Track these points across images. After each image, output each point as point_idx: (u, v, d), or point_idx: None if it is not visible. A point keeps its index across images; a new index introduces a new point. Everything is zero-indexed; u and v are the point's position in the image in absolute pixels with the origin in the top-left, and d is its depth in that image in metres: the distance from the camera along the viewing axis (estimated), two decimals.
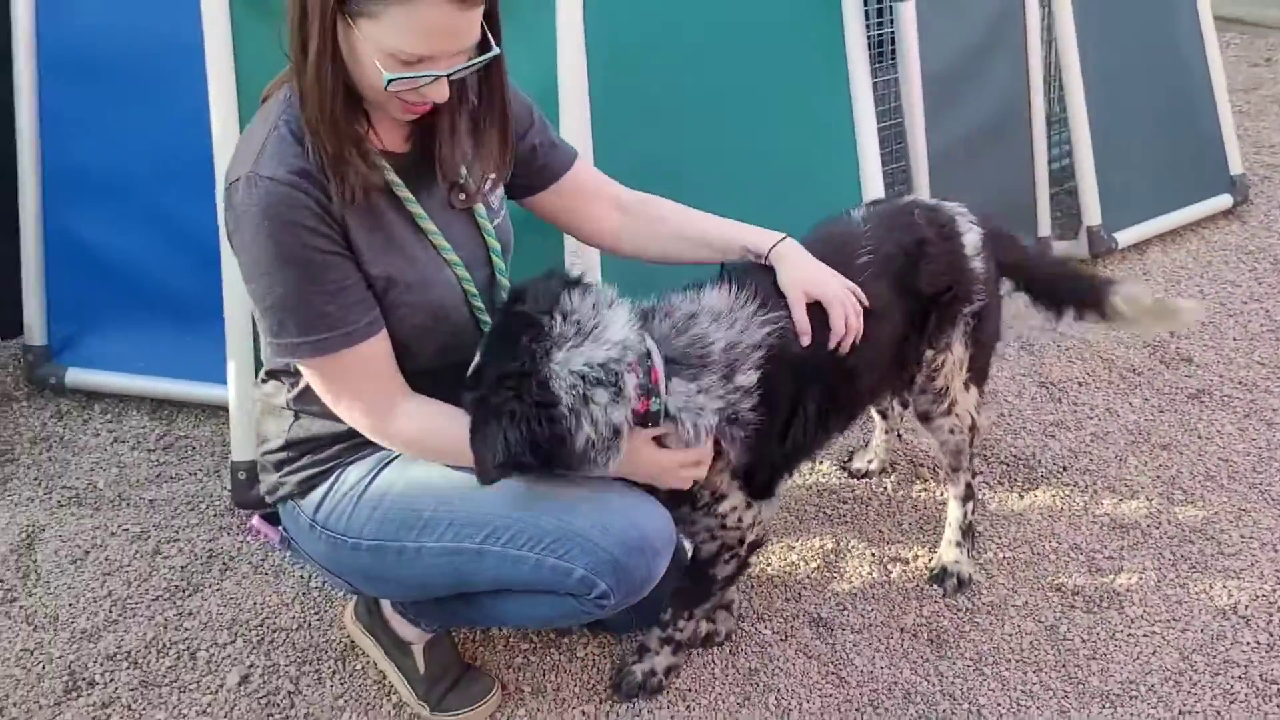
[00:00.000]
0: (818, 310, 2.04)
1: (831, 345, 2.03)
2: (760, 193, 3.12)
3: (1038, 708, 2.23)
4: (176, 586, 2.56)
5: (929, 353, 2.33)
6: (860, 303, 2.07)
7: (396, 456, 2.00)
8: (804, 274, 2.05)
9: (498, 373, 1.80)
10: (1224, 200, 4.40)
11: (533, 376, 1.77)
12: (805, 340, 2.01)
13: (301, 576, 2.58)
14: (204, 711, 2.24)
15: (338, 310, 1.79)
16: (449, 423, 1.86)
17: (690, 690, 2.28)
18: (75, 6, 3.02)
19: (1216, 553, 2.64)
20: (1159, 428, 3.13)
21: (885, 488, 2.88)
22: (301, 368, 1.88)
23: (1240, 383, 3.35)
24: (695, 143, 3.18)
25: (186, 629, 2.44)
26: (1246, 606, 2.48)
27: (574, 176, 2.18)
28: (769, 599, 2.51)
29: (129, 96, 2.97)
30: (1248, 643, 2.38)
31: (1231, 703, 2.24)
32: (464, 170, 1.94)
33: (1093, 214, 3.99)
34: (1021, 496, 2.84)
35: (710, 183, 3.18)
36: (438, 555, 1.93)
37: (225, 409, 3.06)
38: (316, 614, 2.48)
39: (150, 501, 2.83)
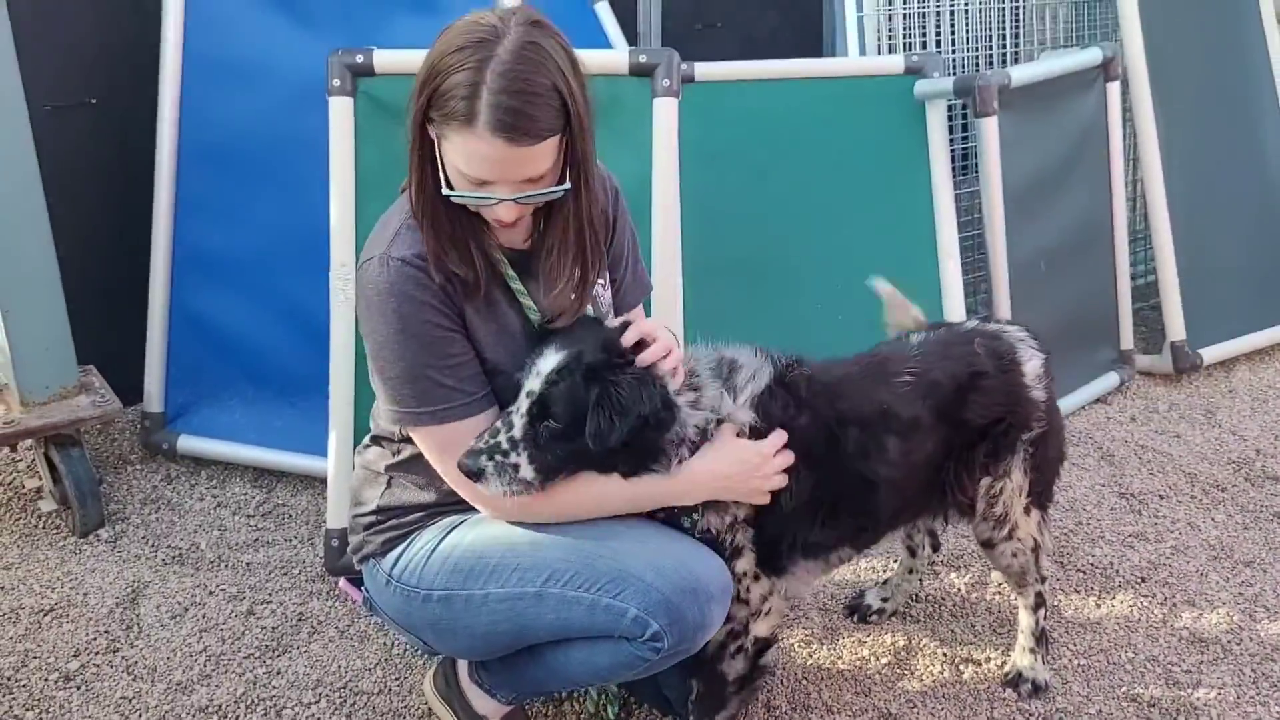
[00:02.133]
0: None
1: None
2: (842, 300, 3.22)
3: None
4: (267, 646, 2.67)
5: (986, 480, 2.33)
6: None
7: (467, 519, 2.10)
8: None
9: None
10: None
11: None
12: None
13: (384, 643, 2.68)
14: None
15: (455, 383, 1.94)
16: (555, 496, 1.97)
17: None
18: (214, 100, 3.31)
19: None
20: (1242, 544, 3.09)
21: (959, 588, 2.89)
22: (415, 435, 2.02)
23: None
24: (779, 248, 3.32)
25: (274, 687, 2.54)
26: None
27: (633, 314, 2.30)
28: (838, 692, 2.53)
29: (256, 186, 3.23)
30: None
31: None
32: (525, 300, 2.07)
33: (1176, 329, 4.00)
34: (1098, 605, 2.83)
35: (792, 287, 3.31)
36: (501, 601, 2.01)
37: (322, 479, 3.23)
38: (397, 679, 2.57)
39: (247, 564, 2.97)
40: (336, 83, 2.83)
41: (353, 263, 2.84)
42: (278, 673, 2.59)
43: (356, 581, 2.75)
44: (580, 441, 1.90)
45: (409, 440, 2.10)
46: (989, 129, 3.41)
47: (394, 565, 2.14)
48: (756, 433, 2.05)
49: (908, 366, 2.24)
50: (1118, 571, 2.96)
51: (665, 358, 1.99)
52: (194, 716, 2.45)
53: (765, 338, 2.23)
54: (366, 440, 2.24)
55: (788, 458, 2.05)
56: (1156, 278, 4.07)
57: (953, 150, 3.46)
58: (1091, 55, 3.85)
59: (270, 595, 2.85)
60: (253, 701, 2.50)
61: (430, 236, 1.90)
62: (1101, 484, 3.38)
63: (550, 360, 1.93)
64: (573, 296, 2.01)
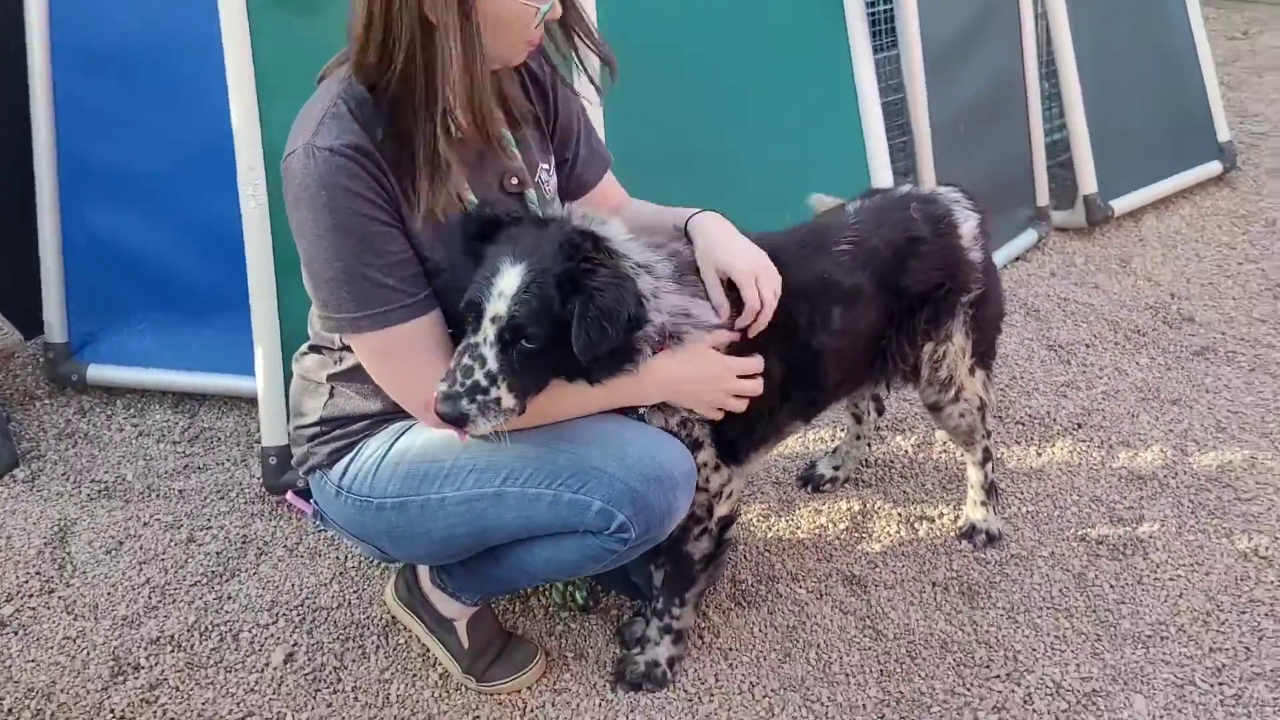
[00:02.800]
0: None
1: (743, 323, 2.00)
2: (769, 174, 3.17)
3: (1071, 651, 2.28)
4: (214, 572, 2.58)
5: (929, 345, 2.33)
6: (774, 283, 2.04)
7: (413, 424, 2.02)
8: (715, 247, 2.02)
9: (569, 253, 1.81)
10: (1214, 167, 4.49)
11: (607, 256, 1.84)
12: (723, 315, 1.99)
13: (337, 557, 2.61)
14: (252, 689, 2.27)
15: (396, 283, 1.82)
16: None
17: (730, 649, 2.32)
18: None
19: (1233, 499, 2.70)
20: (1167, 384, 3.20)
21: (906, 450, 2.93)
22: (353, 342, 1.91)
23: (1243, 339, 3.42)
24: (703, 130, 3.22)
25: (227, 612, 2.46)
26: (1267, 548, 2.54)
27: (601, 190, 2.22)
28: (801, 560, 2.55)
29: (146, 90, 2.99)
30: (1271, 582, 2.44)
31: (1260, 639, 2.30)
32: (518, 155, 1.98)
33: (1088, 183, 4.07)
34: (1039, 454, 2.90)
35: (720, 168, 3.23)
36: (459, 504, 1.94)
37: (249, 399, 3.10)
38: (355, 593, 2.51)
39: (180, 492, 2.85)
40: None
41: (261, 167, 2.68)
42: (229, 597, 2.50)
43: (304, 494, 2.66)
44: (558, 356, 1.80)
45: (350, 348, 1.99)
46: None
47: (343, 475, 2.05)
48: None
49: (845, 235, 2.21)
50: (1055, 420, 3.03)
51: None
52: (146, 649, 2.36)
53: None
54: (304, 348, 2.13)
55: (756, 385, 2.01)
56: (1067, 134, 4.11)
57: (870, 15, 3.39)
58: None
59: (210, 521, 2.74)
60: (206, 628, 2.41)
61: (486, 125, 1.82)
62: (1030, 338, 3.45)
63: (512, 277, 1.77)
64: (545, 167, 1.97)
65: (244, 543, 2.67)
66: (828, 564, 2.54)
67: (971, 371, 2.41)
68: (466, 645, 2.23)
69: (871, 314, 2.19)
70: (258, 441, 2.99)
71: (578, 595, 2.40)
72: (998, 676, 2.23)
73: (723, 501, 2.13)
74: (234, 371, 3.09)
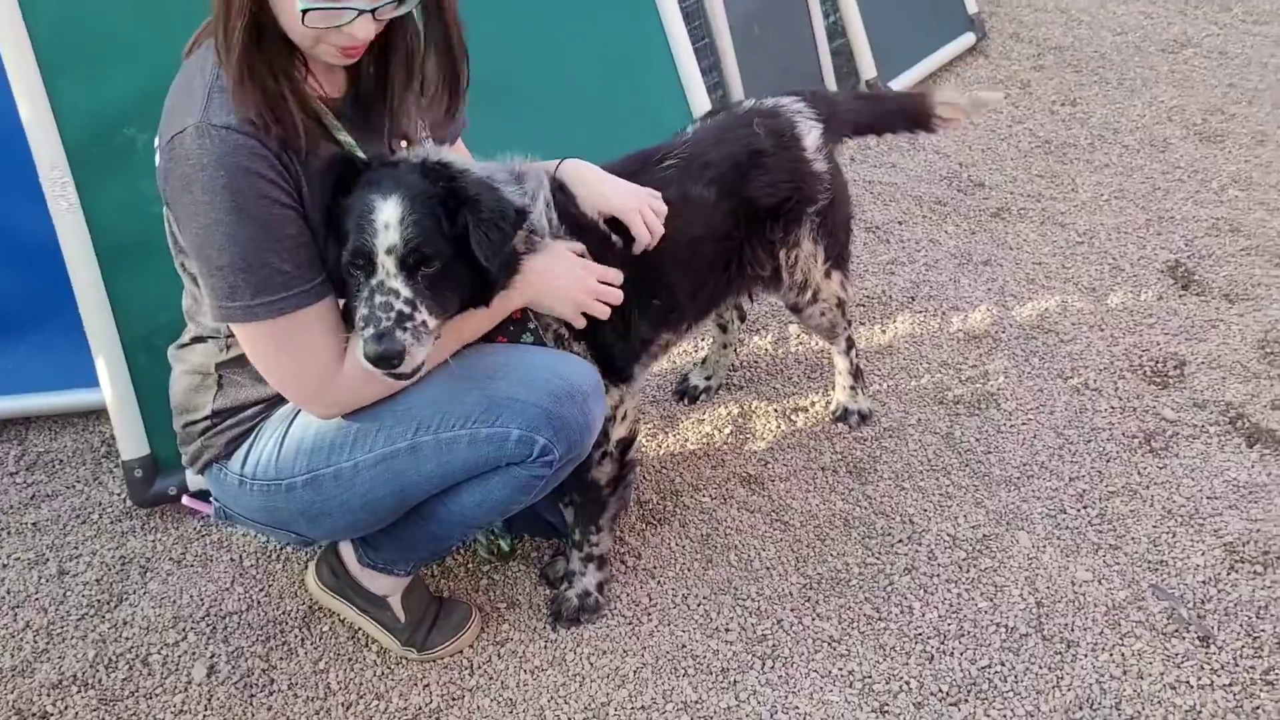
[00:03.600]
0: None
1: (637, 250, 2.09)
2: (582, 106, 3.14)
3: (957, 505, 2.50)
4: (99, 601, 2.42)
5: (782, 252, 2.43)
6: (659, 208, 2.12)
7: None
8: (595, 192, 2.09)
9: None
10: (968, 39, 4.81)
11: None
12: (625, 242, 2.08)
13: (231, 560, 2.50)
14: (180, 711, 2.17)
15: (294, 269, 1.73)
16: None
17: (655, 567, 2.40)
18: None
19: (1057, 342, 2.99)
20: (975, 248, 3.47)
21: (766, 349, 3.07)
22: (243, 331, 1.80)
23: (1028, 195, 3.74)
24: (515, 70, 3.16)
25: (128, 639, 2.32)
26: (1095, 380, 2.84)
27: (455, 148, 2.18)
28: (697, 470, 2.66)
29: None
30: (1104, 409, 2.74)
31: (1108, 461, 2.59)
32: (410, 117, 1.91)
33: (868, 68, 4.27)
34: (883, 331, 3.10)
35: (536, 107, 3.19)
36: (373, 465, 1.90)
37: (83, 414, 2.90)
38: (261, 591, 2.42)
39: (33, 525, 2.63)
40: None
41: (65, 164, 2.46)
42: (125, 623, 2.36)
43: (199, 495, 2.52)
44: (459, 276, 1.79)
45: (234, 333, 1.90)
46: None
47: (244, 464, 1.97)
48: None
49: (671, 153, 2.27)
50: (890, 297, 3.24)
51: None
52: (50, 695, 2.21)
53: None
54: (185, 340, 2.01)
55: (615, 295, 2.02)
56: (842, 24, 4.29)
57: None
58: None
59: (77, 549, 2.56)
60: (111, 660, 2.28)
61: (249, 90, 1.65)
62: None
63: (392, 208, 1.73)
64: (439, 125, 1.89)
65: (123, 564, 2.51)
66: (722, 469, 2.65)
67: (827, 274, 2.53)
68: (403, 619, 2.21)
69: (713, 222, 2.26)
70: (105, 457, 2.81)
71: (502, 543, 2.42)
72: (900, 541, 2.42)
73: (618, 423, 2.19)
74: (59, 387, 2.86)
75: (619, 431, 2.20)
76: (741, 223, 2.33)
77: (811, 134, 2.40)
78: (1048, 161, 3.95)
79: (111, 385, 2.52)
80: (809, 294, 2.54)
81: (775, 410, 2.84)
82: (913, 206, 3.71)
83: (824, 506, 2.53)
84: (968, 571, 2.33)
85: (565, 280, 1.96)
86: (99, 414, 2.89)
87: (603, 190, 2.08)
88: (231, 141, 1.65)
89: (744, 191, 2.30)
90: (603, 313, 2.01)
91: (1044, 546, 2.38)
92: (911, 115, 2.69)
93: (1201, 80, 4.45)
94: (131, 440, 2.55)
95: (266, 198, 1.69)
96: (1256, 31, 4.86)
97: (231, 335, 1.90)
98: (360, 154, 1.83)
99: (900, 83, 4.42)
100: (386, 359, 1.70)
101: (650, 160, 2.26)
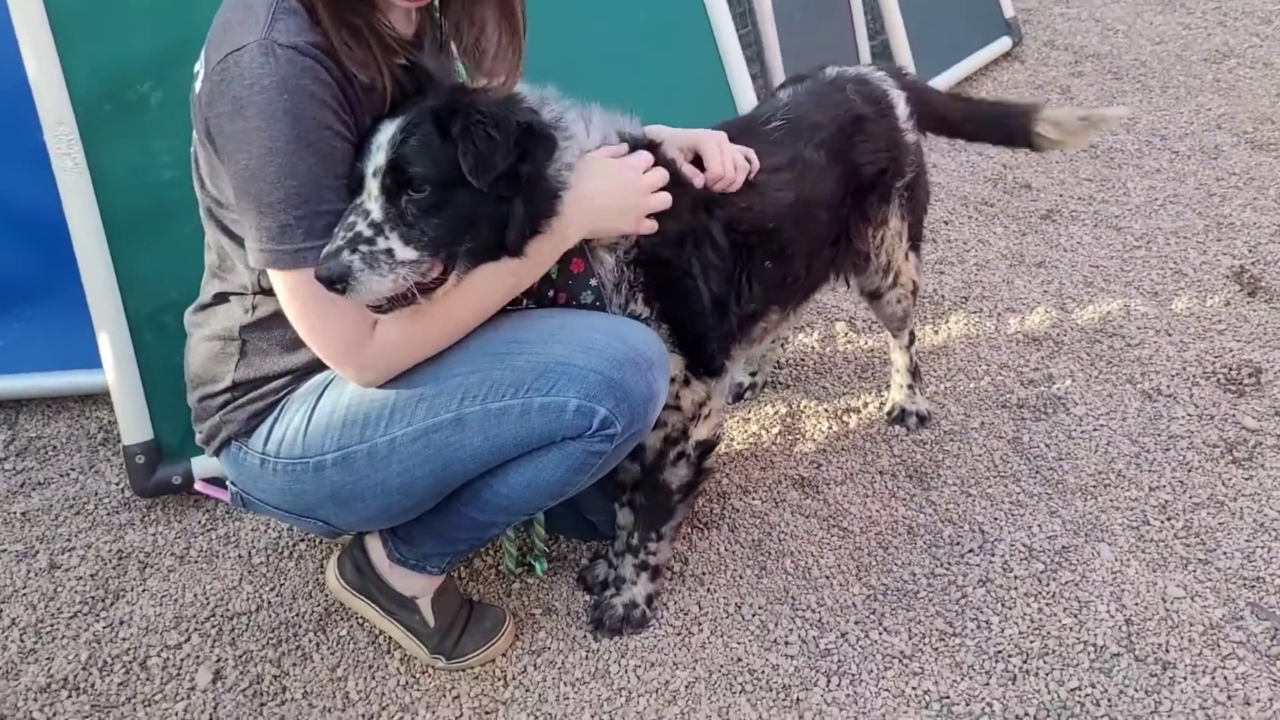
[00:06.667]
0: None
1: (714, 185, 1.86)
2: (627, 91, 2.95)
3: (1030, 514, 2.31)
4: (93, 598, 2.21)
5: (869, 230, 2.24)
6: (747, 159, 1.93)
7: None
8: (677, 135, 1.91)
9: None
10: (1004, 43, 4.66)
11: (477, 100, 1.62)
12: (697, 181, 1.85)
13: (239, 556, 2.29)
14: (182, 719, 1.96)
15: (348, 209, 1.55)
16: (435, 307, 1.63)
17: (705, 573, 2.20)
18: None
19: (1124, 346, 2.81)
20: (1028, 248, 3.29)
21: (813, 346, 2.88)
22: (286, 278, 1.59)
23: (1078, 198, 3.58)
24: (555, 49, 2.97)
25: (125, 640, 2.11)
26: (1168, 386, 2.66)
27: None
28: (746, 471, 2.46)
29: None
30: (1180, 416, 2.56)
31: (1189, 471, 2.40)
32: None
33: (907, 65, 4.11)
34: (937, 331, 2.92)
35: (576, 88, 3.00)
36: (413, 440, 1.69)
37: (78, 397, 2.71)
38: (272, 590, 2.21)
39: (23, 514, 2.42)
40: None
41: (72, 120, 2.27)
42: (121, 622, 2.15)
43: (213, 480, 2.30)
44: (458, 202, 1.57)
45: (265, 291, 1.70)
46: None
47: (266, 441, 1.77)
48: None
49: (777, 114, 2.09)
50: (942, 297, 3.06)
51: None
52: (37, 700, 2.00)
53: None
54: (205, 300, 1.80)
55: (661, 174, 1.78)
56: (883, 18, 4.14)
57: None
58: None
59: (70, 541, 2.35)
60: (105, 662, 2.07)
61: (328, 14, 1.47)
62: None
63: (388, 129, 1.56)
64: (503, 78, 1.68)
65: (120, 559, 2.30)
66: (773, 471, 2.46)
67: (906, 256, 2.36)
68: (433, 623, 2.00)
69: (826, 187, 2.07)
70: (103, 444, 2.60)
71: (538, 565, 2.19)
72: (971, 551, 2.23)
73: (701, 422, 1.97)
74: (54, 368, 2.67)
75: (700, 432, 1.98)
76: (848, 192, 2.14)
77: (901, 103, 2.24)
78: (1095, 165, 3.78)
79: (115, 363, 2.31)
80: (890, 277, 2.37)
81: (826, 410, 2.64)
82: (958, 206, 3.53)
83: (885, 512, 2.33)
84: (1048, 585, 2.14)
85: (611, 193, 1.72)
86: (96, 398, 2.69)
87: (688, 134, 1.90)
88: (299, 63, 1.46)
89: (851, 157, 2.12)
90: (664, 202, 1.76)
91: (1128, 560, 2.19)
92: (1010, 128, 2.46)
93: (1248, 89, 4.30)
94: (134, 423, 2.34)
95: (329, 128, 1.50)
96: None
97: (259, 294, 1.71)
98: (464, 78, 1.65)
99: (938, 84, 4.26)
100: (327, 280, 1.50)
101: (756, 121, 2.08)
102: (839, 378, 2.76)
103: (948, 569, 2.19)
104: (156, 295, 2.33)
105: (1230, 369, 2.70)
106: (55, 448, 2.61)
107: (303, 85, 1.47)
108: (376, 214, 1.54)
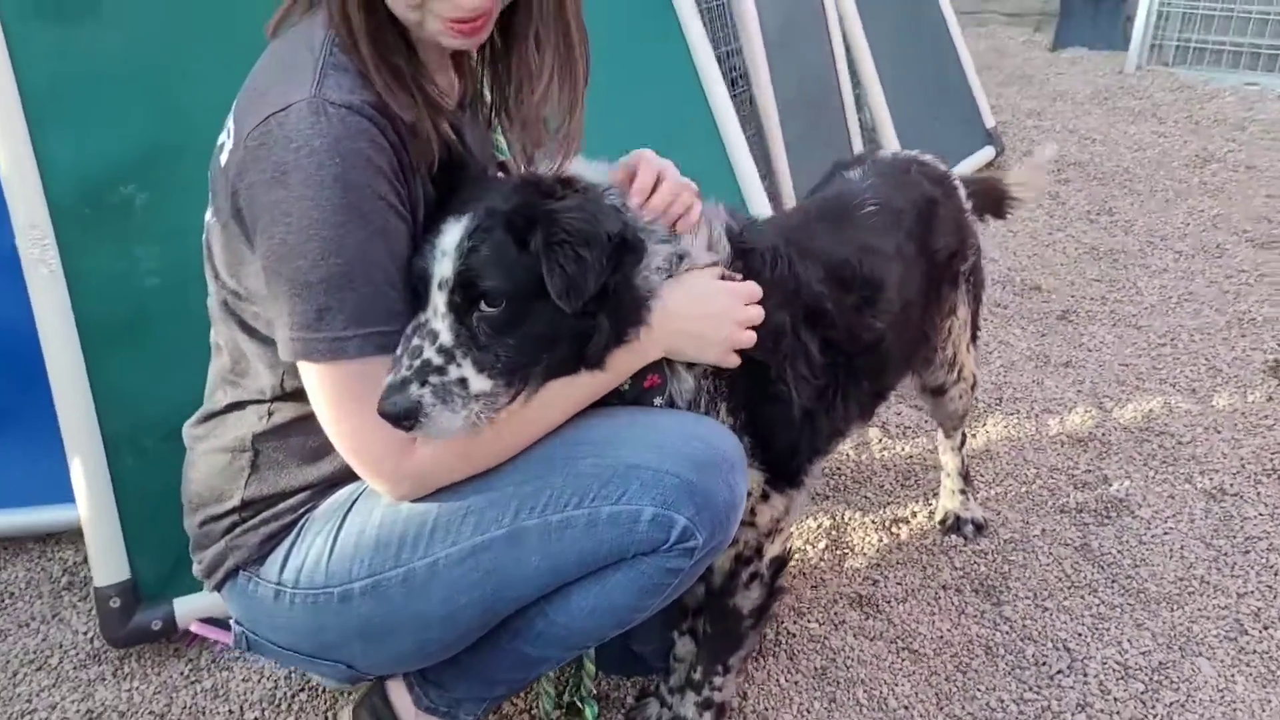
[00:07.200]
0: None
1: (634, 203, 1.53)
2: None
3: (1116, 627, 2.09)
4: None
5: (937, 320, 2.08)
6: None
7: (365, 486, 1.50)
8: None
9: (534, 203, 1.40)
10: (988, 153, 4.65)
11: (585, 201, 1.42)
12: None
13: (230, 712, 1.99)
14: None
15: (398, 296, 1.34)
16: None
17: (769, 709, 1.94)
18: None
19: (1175, 444, 2.65)
20: (1051, 349, 3.16)
21: (849, 455, 2.68)
22: (318, 372, 1.36)
23: (1091, 298, 3.48)
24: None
25: None
26: (1232, 484, 2.49)
27: None
28: (796, 591, 2.22)
29: None
30: (1252, 516, 2.38)
31: (1276, 574, 2.21)
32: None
33: None
34: (975, 435, 2.74)
35: None
36: (459, 562, 1.44)
37: (37, 537, 2.43)
38: None
39: None
40: None
41: (47, 223, 2.05)
42: None
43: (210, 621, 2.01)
44: (536, 317, 1.38)
45: (287, 395, 1.47)
46: None
47: (283, 569, 1.51)
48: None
49: (866, 197, 1.93)
50: (976, 399, 2.89)
51: (674, 204, 1.51)
52: None
53: None
54: (215, 408, 1.56)
55: (760, 311, 1.58)
56: (873, 120, 4.10)
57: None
58: None
59: (31, 701, 2.03)
60: None
61: (375, 66, 1.30)
62: None
63: (455, 230, 1.37)
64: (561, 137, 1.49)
65: None
66: (825, 590, 2.23)
67: (968, 348, 2.20)
68: None
69: (915, 281, 1.90)
70: (67, 589, 2.31)
71: (587, 711, 1.89)
72: (1060, 672, 2.00)
73: (775, 540, 1.74)
74: (9, 505, 2.38)
75: (774, 548, 1.74)
76: (929, 283, 1.97)
77: (961, 188, 2.12)
78: (1100, 266, 3.70)
79: (88, 492, 2.04)
80: (955, 371, 2.20)
81: (873, 521, 2.43)
82: None
83: (956, 632, 2.10)
84: (1153, 708, 1.91)
85: (705, 320, 1.51)
86: (59, 537, 2.41)
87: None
88: (354, 124, 1.27)
89: (930, 243, 1.95)
90: (752, 340, 1.56)
91: (1233, 675, 1.97)
92: (992, 199, 2.37)
93: (1238, 191, 4.29)
94: (108, 562, 2.05)
95: (384, 199, 1.30)
96: (1278, 147, 4.76)
97: (276, 399, 1.47)
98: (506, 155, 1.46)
99: None
100: (393, 417, 1.30)
101: (849, 205, 1.89)
102: (880, 486, 2.56)
103: (1038, 694, 1.95)
104: (134, 414, 2.08)
105: None
106: (13, 594, 2.30)
107: (358, 149, 1.27)
108: (446, 337, 1.34)
